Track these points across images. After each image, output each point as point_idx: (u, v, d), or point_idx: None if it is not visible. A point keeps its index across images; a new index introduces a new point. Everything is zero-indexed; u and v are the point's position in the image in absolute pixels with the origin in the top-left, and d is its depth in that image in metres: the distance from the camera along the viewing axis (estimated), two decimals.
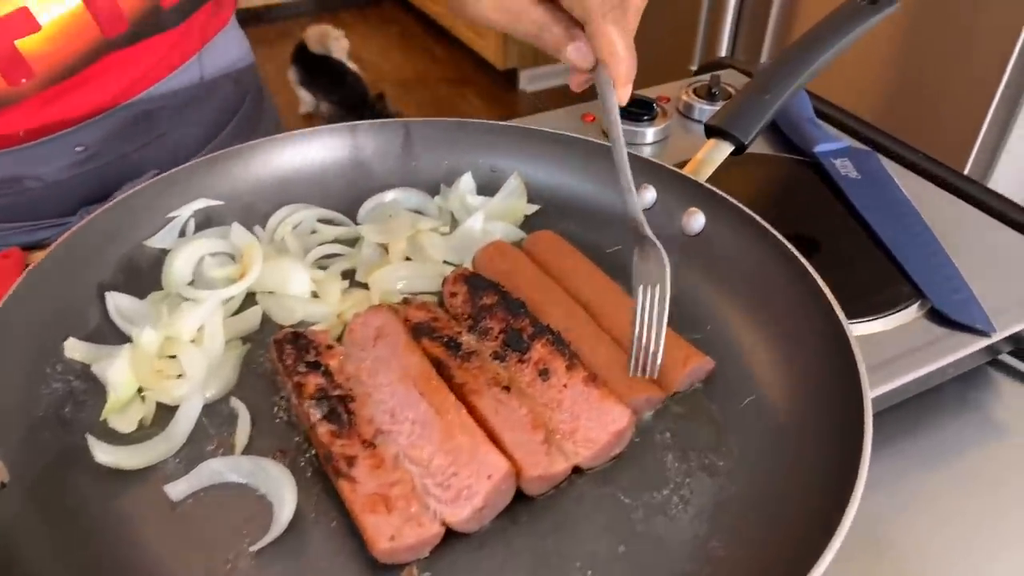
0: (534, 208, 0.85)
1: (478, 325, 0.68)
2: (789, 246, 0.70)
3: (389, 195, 0.84)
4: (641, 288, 0.62)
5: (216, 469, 0.57)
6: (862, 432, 0.54)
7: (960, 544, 0.65)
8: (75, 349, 0.63)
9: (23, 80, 0.78)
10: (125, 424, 0.59)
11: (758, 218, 0.73)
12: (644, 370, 0.61)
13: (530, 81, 4.16)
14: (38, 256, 0.86)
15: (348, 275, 0.76)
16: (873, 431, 0.53)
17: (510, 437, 0.57)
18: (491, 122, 0.88)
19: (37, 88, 0.80)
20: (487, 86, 4.25)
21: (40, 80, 0.79)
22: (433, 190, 0.86)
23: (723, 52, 2.40)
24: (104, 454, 0.57)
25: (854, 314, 0.76)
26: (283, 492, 0.55)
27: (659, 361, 0.61)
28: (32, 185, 0.86)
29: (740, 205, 0.75)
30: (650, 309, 0.62)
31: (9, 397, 0.57)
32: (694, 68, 2.53)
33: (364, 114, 3.50)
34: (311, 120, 3.80)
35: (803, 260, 0.68)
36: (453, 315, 0.71)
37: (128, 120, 0.90)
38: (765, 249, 0.71)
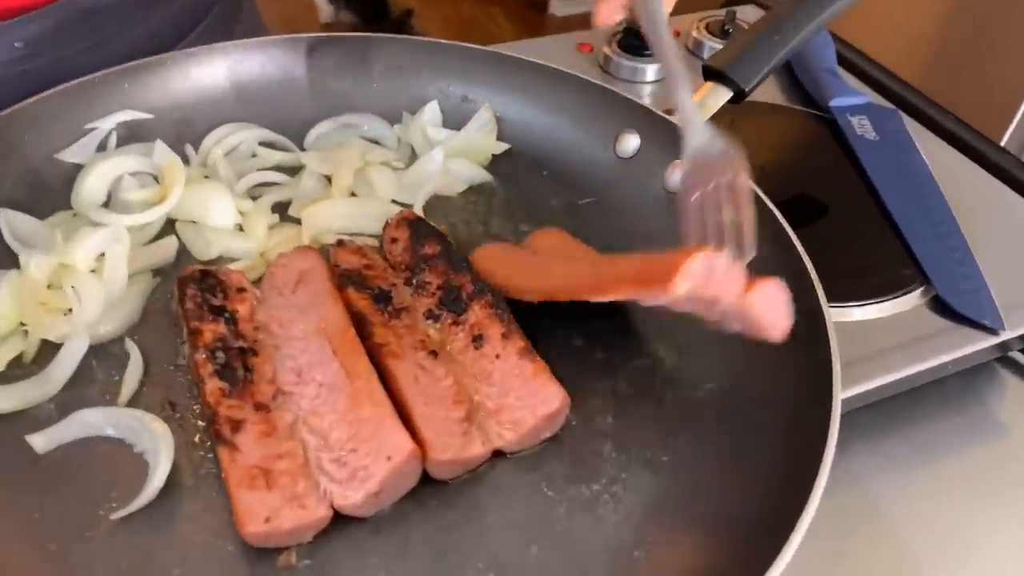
0: (504, 147, 0.76)
1: (415, 278, 0.61)
2: (779, 215, 0.61)
3: (342, 119, 0.75)
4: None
5: (90, 421, 0.51)
6: (824, 444, 0.46)
7: (953, 541, 0.58)
8: None
9: None
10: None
11: (755, 187, 0.63)
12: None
13: (561, 5, 3.96)
14: None
15: (281, 208, 0.68)
16: (865, 420, 0.46)
17: (423, 411, 0.50)
18: (466, 45, 0.78)
19: None
20: (516, 7, 4.04)
21: None
22: (395, 119, 0.77)
23: None
24: None
25: (847, 296, 0.67)
26: (160, 454, 0.48)
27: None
28: None
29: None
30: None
31: None
32: None
33: (384, 29, 3.33)
34: (329, 30, 3.64)
35: (791, 233, 0.60)
36: (391, 263, 0.63)
37: (71, 19, 0.81)
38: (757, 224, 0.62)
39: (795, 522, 0.42)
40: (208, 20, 0.95)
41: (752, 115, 0.86)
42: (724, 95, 0.72)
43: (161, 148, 0.67)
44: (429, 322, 0.58)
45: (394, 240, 0.64)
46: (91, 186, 0.64)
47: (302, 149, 0.74)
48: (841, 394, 0.50)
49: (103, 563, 0.45)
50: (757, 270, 0.59)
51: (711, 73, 0.73)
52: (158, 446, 0.49)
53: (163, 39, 0.90)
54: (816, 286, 0.56)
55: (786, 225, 0.60)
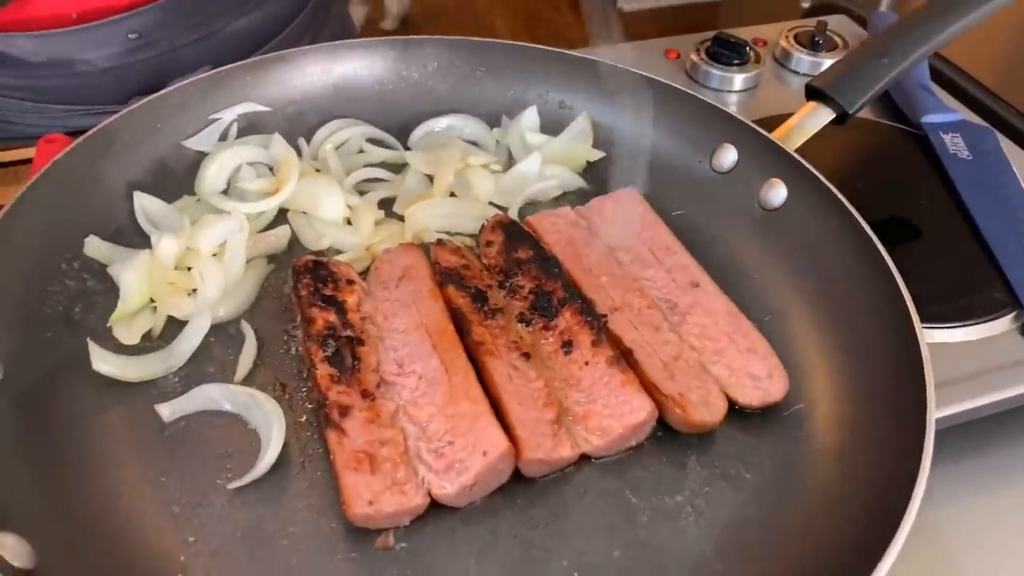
0: (599, 155, 0.77)
1: (508, 281, 0.63)
2: (876, 242, 0.61)
3: (444, 121, 0.78)
4: None
5: (210, 395, 0.55)
6: (916, 468, 0.47)
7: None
8: (96, 248, 0.61)
9: None
10: (129, 336, 0.58)
11: (847, 203, 0.64)
12: None
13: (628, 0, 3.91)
14: None
15: (386, 204, 0.71)
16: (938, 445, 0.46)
17: (517, 411, 0.52)
18: (566, 52, 0.80)
19: None
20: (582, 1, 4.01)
21: None
22: (494, 121, 0.80)
23: None
24: (103, 362, 0.55)
25: (936, 317, 0.66)
26: (272, 431, 0.52)
27: None
28: (84, 69, 0.84)
29: (830, 185, 0.65)
30: None
31: (14, 289, 0.55)
32: (806, 5, 2.28)
33: None
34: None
35: (889, 261, 0.59)
36: (486, 265, 0.65)
37: (182, 10, 0.86)
38: (848, 239, 0.62)
39: (886, 546, 0.42)
40: (301, 17, 0.99)
41: (841, 128, 0.85)
42: (826, 116, 0.72)
43: (278, 141, 0.71)
44: (521, 325, 0.60)
45: (489, 243, 0.66)
46: (213, 174, 0.68)
47: (406, 148, 0.77)
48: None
49: (219, 528, 0.49)
50: (852, 291, 0.60)
51: (814, 93, 0.73)
52: (271, 424, 0.52)
53: (262, 32, 0.95)
54: (911, 310, 0.55)
55: (882, 250, 0.60)
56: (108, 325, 0.58)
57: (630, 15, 3.90)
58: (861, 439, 0.54)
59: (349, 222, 0.69)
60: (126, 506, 0.49)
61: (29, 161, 0.82)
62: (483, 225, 0.68)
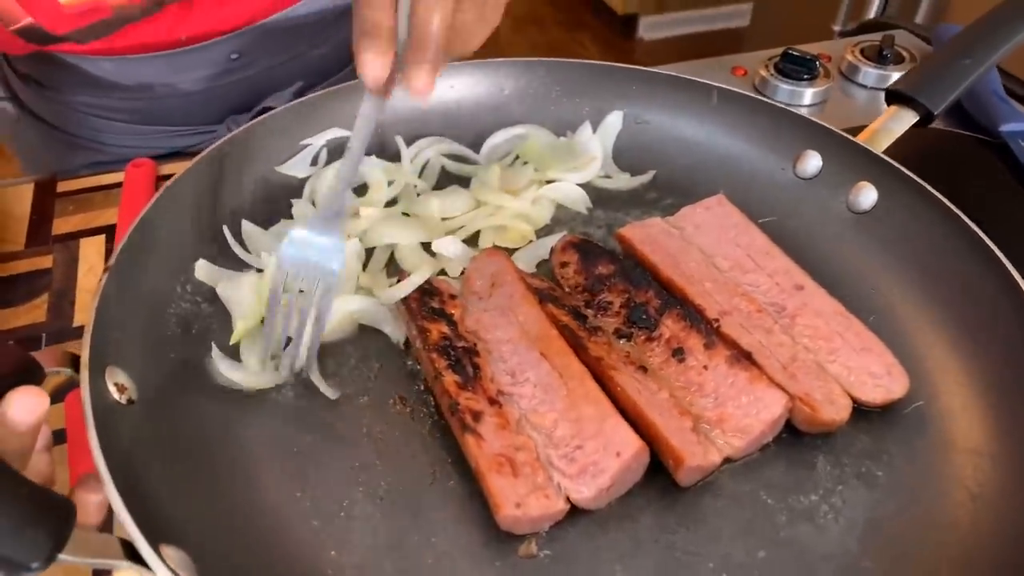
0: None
1: (596, 299, 0.63)
2: (981, 234, 0.61)
3: (514, 131, 0.79)
4: None
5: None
6: None
7: None
8: (204, 271, 0.62)
9: None
10: (255, 355, 0.58)
11: (944, 199, 0.64)
12: None
13: (649, 29, 3.96)
14: (173, 167, 0.86)
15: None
16: None
17: (662, 421, 0.51)
18: (641, 68, 0.81)
19: None
20: (603, 31, 4.08)
21: None
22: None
23: (872, 13, 2.19)
24: (231, 371, 0.55)
25: None
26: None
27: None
28: (186, 90, 0.87)
29: (924, 183, 0.66)
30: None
31: (139, 314, 0.56)
32: (837, 28, 2.32)
33: None
34: None
35: (998, 252, 0.59)
36: (566, 288, 0.65)
37: (277, 33, 0.90)
38: (949, 235, 0.63)
39: None
40: None
41: (916, 140, 0.86)
42: (909, 119, 0.73)
43: (374, 162, 0.72)
44: (621, 341, 0.60)
45: (564, 264, 0.66)
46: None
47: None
48: None
49: (361, 541, 0.49)
50: (959, 285, 0.60)
51: (896, 97, 0.73)
52: None
53: (340, 57, 0.98)
54: None
55: (989, 242, 0.60)
56: (232, 343, 0.58)
57: (650, 43, 3.97)
58: (990, 430, 0.53)
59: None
60: (269, 522, 0.49)
61: (119, 185, 0.84)
62: (552, 248, 0.68)
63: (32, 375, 0.43)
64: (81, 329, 0.70)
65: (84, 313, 0.73)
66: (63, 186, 0.87)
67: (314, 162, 0.73)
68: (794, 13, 2.49)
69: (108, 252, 0.79)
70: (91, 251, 0.79)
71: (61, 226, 0.82)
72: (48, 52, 0.84)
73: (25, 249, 0.79)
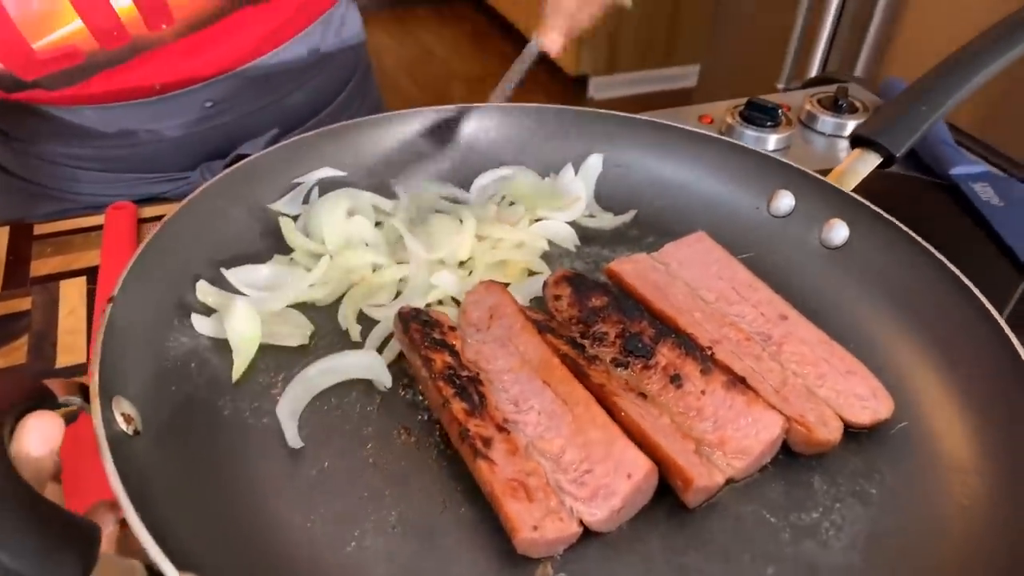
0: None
1: (591, 330, 0.64)
2: (951, 265, 0.65)
3: (499, 172, 0.82)
4: None
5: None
6: None
7: None
8: (204, 291, 0.62)
9: (163, 26, 0.78)
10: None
11: (912, 233, 0.68)
12: None
13: (599, 89, 4.11)
14: (153, 209, 0.86)
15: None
16: None
17: (667, 443, 0.53)
18: (618, 114, 0.85)
19: (174, 35, 0.80)
20: (556, 91, 4.21)
21: (178, 28, 0.79)
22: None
23: (814, 71, 2.33)
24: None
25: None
26: None
27: None
28: (159, 138, 0.87)
29: (891, 218, 0.70)
30: None
31: (140, 347, 0.55)
32: (781, 87, 2.46)
33: None
34: None
35: (967, 281, 0.63)
36: (560, 320, 0.67)
37: (252, 80, 0.91)
38: (919, 265, 0.67)
39: None
40: (347, 90, 1.05)
41: (874, 183, 0.92)
42: (873, 161, 0.77)
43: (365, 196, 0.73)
44: (619, 370, 0.62)
45: (557, 297, 0.68)
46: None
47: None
48: None
49: (376, 570, 0.48)
50: (933, 312, 0.64)
51: (860, 141, 0.78)
52: None
53: (316, 103, 1.00)
54: (996, 316, 0.58)
55: (955, 269, 0.64)
56: (233, 382, 0.58)
57: (600, 102, 4.10)
58: (975, 447, 0.56)
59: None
60: (282, 552, 0.48)
61: (98, 228, 0.83)
62: (545, 282, 0.70)
63: (47, 403, 0.42)
64: (64, 370, 0.69)
65: (67, 354, 0.71)
66: (40, 228, 0.86)
67: (306, 200, 0.74)
68: (740, 72, 2.61)
69: (90, 293, 0.77)
70: (72, 292, 0.78)
71: (39, 268, 0.81)
72: (18, 102, 0.83)
73: (2, 291, 0.78)
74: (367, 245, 0.70)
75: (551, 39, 0.81)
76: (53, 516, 0.35)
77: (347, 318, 0.65)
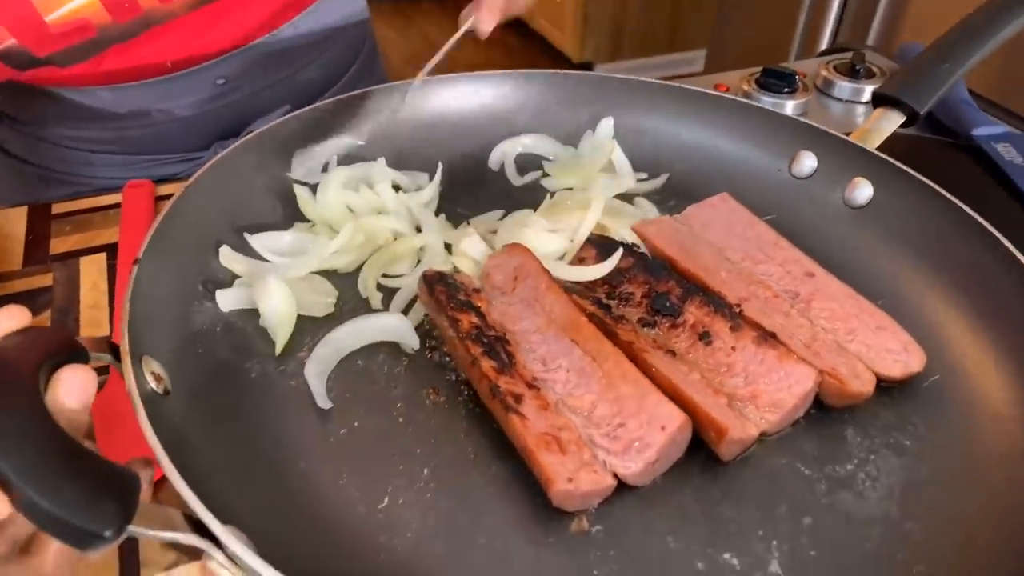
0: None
1: (617, 291, 0.64)
2: (978, 217, 0.64)
3: (521, 139, 0.81)
4: None
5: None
6: None
7: None
8: (228, 258, 0.62)
9: None
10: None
11: (937, 187, 0.67)
12: None
13: None
14: (170, 188, 0.85)
15: None
16: None
17: (699, 397, 0.52)
18: (637, 78, 0.84)
19: (186, 8, 0.79)
20: None
21: (189, 0, 0.79)
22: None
23: (825, 41, 2.31)
24: None
25: None
26: None
27: None
28: (172, 117, 0.87)
29: (915, 173, 0.69)
30: None
31: (166, 309, 0.55)
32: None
33: None
34: None
35: (994, 231, 0.62)
36: (586, 284, 0.66)
37: (262, 57, 0.90)
38: (946, 218, 0.66)
39: None
40: (354, 67, 1.04)
41: (895, 146, 0.91)
42: (897, 119, 0.76)
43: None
44: (646, 329, 0.61)
45: (582, 260, 0.68)
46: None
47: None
48: None
49: (411, 526, 0.48)
50: (962, 265, 0.63)
51: (882, 99, 0.77)
52: None
53: (325, 80, 0.99)
54: None
55: (984, 222, 0.63)
56: (278, 354, 0.58)
57: None
58: (1011, 395, 0.55)
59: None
60: (317, 509, 0.48)
61: (116, 206, 0.82)
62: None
63: (79, 357, 0.42)
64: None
65: (90, 328, 0.71)
66: (58, 208, 0.86)
67: (324, 168, 0.74)
68: (747, 54, 2.59)
69: (111, 269, 0.77)
70: (92, 268, 0.78)
71: (59, 246, 0.81)
72: (30, 84, 0.82)
73: (23, 268, 0.77)
74: (388, 214, 0.70)
75: (483, 19, 0.74)
76: (93, 465, 0.35)
77: (368, 287, 0.65)
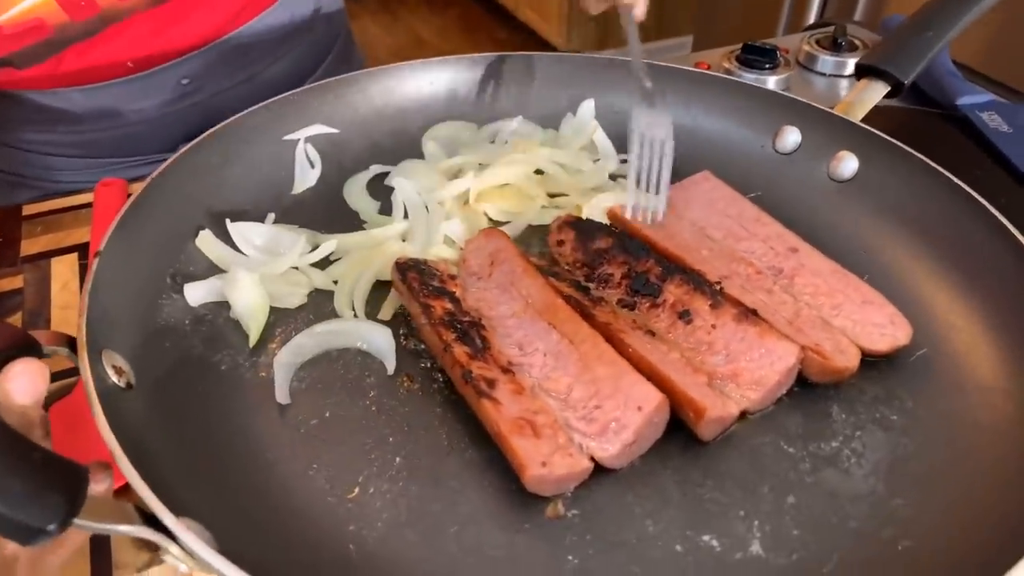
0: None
1: (596, 273, 0.62)
2: (965, 187, 0.62)
3: (511, 124, 0.79)
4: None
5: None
6: None
7: None
8: (206, 242, 0.61)
9: None
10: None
11: (924, 158, 0.66)
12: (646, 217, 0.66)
13: None
14: (141, 186, 0.84)
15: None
16: None
17: (677, 376, 0.51)
18: (617, 58, 0.82)
19: (145, 4, 0.77)
20: None
21: None
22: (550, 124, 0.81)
23: (811, 19, 2.28)
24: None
25: None
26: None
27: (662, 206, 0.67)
28: (136, 119, 0.85)
29: (902, 144, 0.67)
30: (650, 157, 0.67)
31: (131, 303, 0.54)
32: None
33: None
34: None
35: (982, 199, 0.61)
36: (564, 265, 0.65)
37: (228, 54, 0.88)
38: (934, 190, 0.64)
39: None
40: (326, 63, 1.02)
41: (879, 118, 0.89)
42: (881, 90, 0.75)
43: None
44: (624, 310, 0.60)
45: (561, 242, 0.66)
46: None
47: None
48: None
49: (381, 515, 0.47)
50: (949, 236, 0.61)
51: (866, 70, 0.76)
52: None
53: (292, 79, 0.97)
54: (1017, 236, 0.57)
55: (971, 192, 0.61)
56: (251, 346, 0.57)
57: None
58: (998, 367, 0.54)
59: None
60: (284, 501, 0.46)
61: (88, 205, 0.81)
62: (549, 228, 0.68)
63: (31, 352, 0.40)
64: None
65: (61, 328, 0.69)
66: (29, 209, 0.85)
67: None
68: (733, 36, 2.57)
69: (82, 269, 0.76)
70: (63, 269, 0.76)
71: (29, 247, 0.79)
72: None
73: None
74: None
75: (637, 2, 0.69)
76: (38, 458, 0.34)
77: (342, 307, 0.62)
